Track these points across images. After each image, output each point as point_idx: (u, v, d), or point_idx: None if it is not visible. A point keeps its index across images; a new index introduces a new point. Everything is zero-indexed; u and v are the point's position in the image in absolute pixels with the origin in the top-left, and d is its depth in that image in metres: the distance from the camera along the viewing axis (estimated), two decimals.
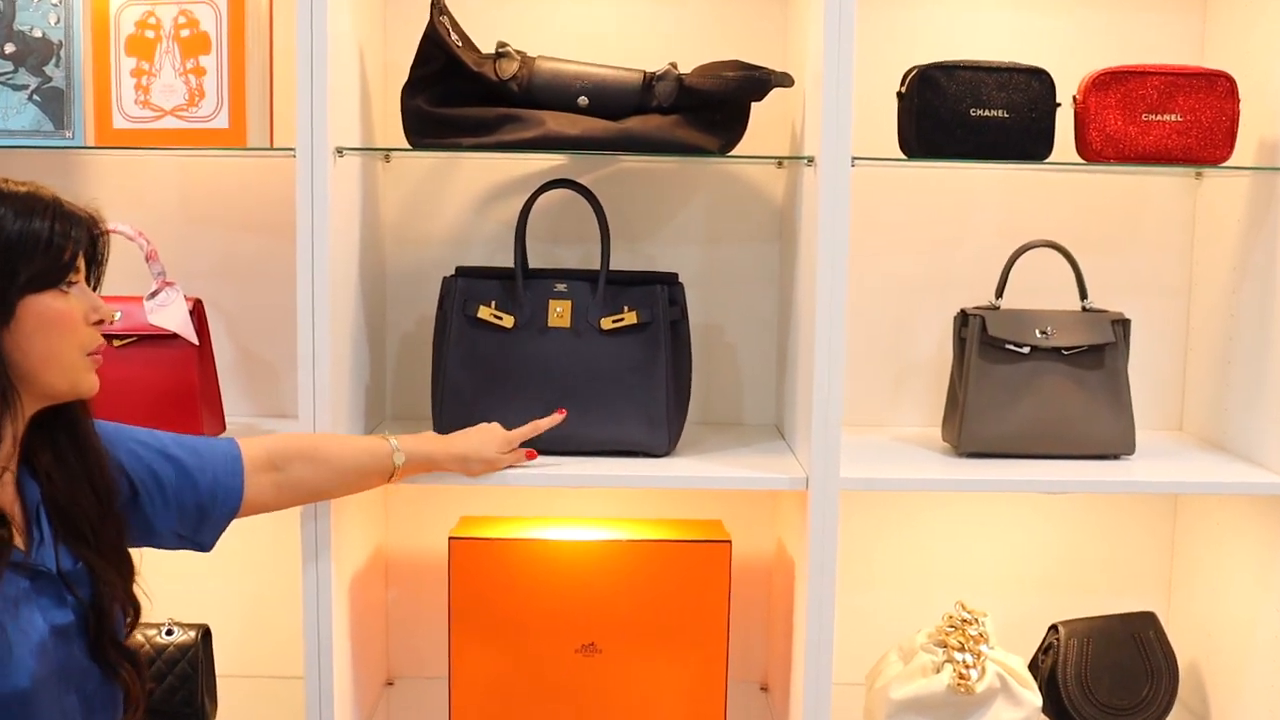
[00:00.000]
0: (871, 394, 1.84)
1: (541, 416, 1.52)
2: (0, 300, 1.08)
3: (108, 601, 1.15)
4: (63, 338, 1.12)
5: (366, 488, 1.43)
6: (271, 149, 1.56)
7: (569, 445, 1.54)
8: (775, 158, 1.74)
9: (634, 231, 1.80)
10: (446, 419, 1.56)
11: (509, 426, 1.51)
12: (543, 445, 1.52)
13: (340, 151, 1.47)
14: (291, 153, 1.42)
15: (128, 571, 1.18)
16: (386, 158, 1.76)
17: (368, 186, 1.67)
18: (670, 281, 1.60)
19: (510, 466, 1.48)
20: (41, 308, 1.12)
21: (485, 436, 1.47)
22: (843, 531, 1.53)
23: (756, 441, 1.72)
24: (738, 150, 1.57)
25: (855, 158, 1.42)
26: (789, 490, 1.53)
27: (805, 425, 1.53)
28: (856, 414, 1.82)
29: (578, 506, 1.83)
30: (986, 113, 1.50)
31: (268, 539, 1.70)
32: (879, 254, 1.82)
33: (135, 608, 1.20)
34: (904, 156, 1.58)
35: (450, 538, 1.62)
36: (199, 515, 1.28)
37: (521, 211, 1.61)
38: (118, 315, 1.51)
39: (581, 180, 1.64)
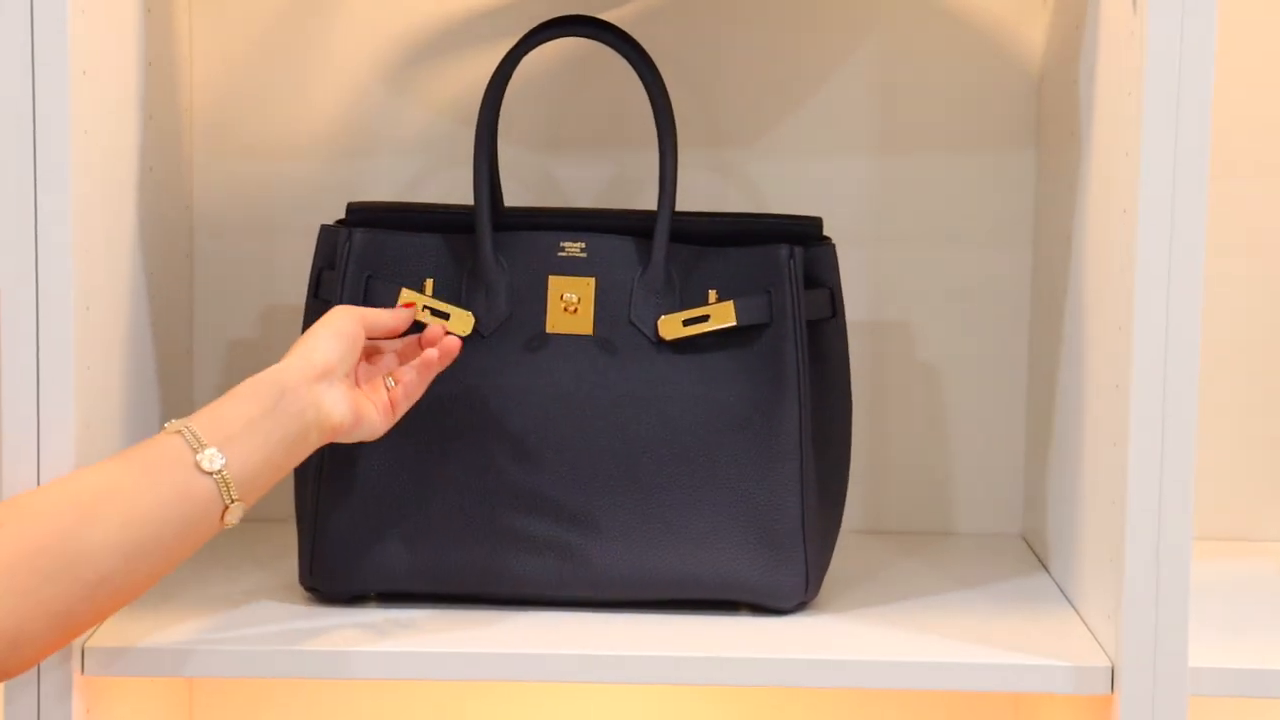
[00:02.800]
0: (1234, 477, 1.81)
1: (537, 525, 1.52)
2: None
3: None
4: None
5: (176, 551, 1.35)
6: None
7: (587, 589, 1.52)
8: None
9: (724, 129, 1.78)
10: (329, 533, 1.54)
11: (468, 550, 1.52)
12: (528, 589, 1.52)
13: None
14: None
15: None
16: None
17: (155, 33, 1.63)
18: (806, 236, 1.55)
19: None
20: None
21: (329, 329, 1.48)
22: None
23: (987, 576, 1.68)
24: None
25: None
26: (1070, 694, 1.44)
27: (1104, 549, 1.46)
28: (1203, 519, 1.69)
29: (611, 714, 1.79)
30: None
31: None
32: (1258, 179, 1.77)
33: None
34: None
35: None
36: None
37: (491, 84, 1.55)
38: None
39: (611, 17, 1.59)
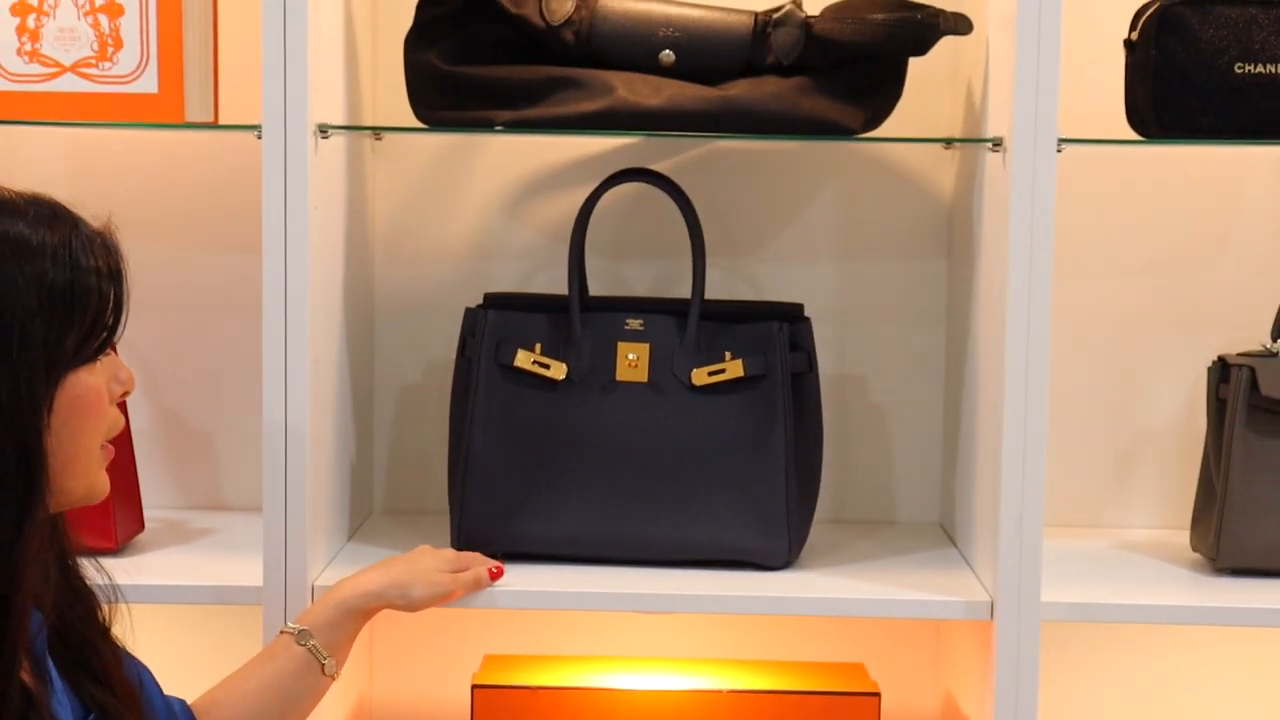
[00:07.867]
0: (1084, 479, 1.95)
1: (611, 509, 1.69)
2: (46, 379, 1.16)
3: None
4: (94, 425, 1.23)
5: (307, 705, 1.53)
6: (218, 125, 1.65)
7: (642, 552, 1.69)
8: (943, 140, 1.87)
9: (736, 242, 1.93)
10: (471, 515, 1.70)
11: (565, 525, 1.69)
12: (605, 552, 1.67)
13: (323, 131, 1.58)
14: (255, 131, 1.52)
15: (139, 714, 1.31)
16: (377, 135, 1.89)
17: (354, 179, 1.79)
18: (792, 316, 1.74)
19: (462, 594, 1.58)
20: (79, 388, 1.21)
21: (414, 556, 1.63)
22: (1045, 682, 1.59)
23: (914, 548, 1.85)
24: (886, 128, 1.69)
25: (1063, 140, 1.51)
26: (964, 620, 1.64)
27: (988, 526, 1.62)
28: (1062, 509, 1.89)
29: (655, 642, 1.95)
30: (1261, 68, 1.56)
31: None
32: (1096, 276, 1.91)
33: None
34: (1136, 135, 1.65)
35: (474, 685, 1.77)
36: None
37: (580, 213, 1.75)
38: None
39: (658, 167, 1.76)
